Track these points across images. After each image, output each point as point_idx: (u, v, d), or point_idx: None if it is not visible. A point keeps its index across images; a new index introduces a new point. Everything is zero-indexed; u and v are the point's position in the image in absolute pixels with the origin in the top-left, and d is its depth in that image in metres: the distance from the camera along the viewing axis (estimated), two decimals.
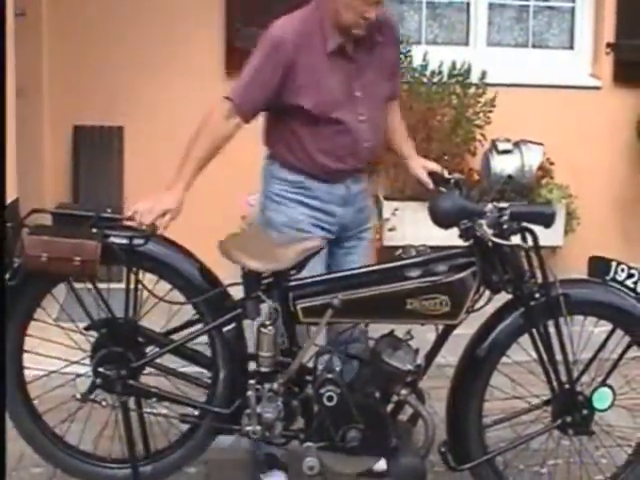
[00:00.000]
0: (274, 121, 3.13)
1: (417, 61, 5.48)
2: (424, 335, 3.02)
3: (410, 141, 3.37)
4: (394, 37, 3.22)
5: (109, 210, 2.88)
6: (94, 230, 2.79)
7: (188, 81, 5.33)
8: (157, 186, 2.98)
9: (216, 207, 5.13)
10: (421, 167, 3.28)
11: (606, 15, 5.75)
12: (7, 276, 2.81)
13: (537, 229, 5.08)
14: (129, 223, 2.90)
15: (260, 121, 3.16)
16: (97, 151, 5.38)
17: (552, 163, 5.32)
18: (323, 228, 3.15)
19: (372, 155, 3.20)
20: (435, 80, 5.46)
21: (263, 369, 2.94)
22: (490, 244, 2.88)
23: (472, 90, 5.44)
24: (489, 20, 5.86)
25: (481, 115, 5.41)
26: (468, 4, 5.83)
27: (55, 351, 3.06)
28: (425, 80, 5.45)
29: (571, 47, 5.97)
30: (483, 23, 5.84)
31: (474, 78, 5.44)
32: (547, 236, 5.33)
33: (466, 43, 5.87)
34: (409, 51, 5.43)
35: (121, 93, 5.33)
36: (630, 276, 3.01)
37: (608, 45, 5.76)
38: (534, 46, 5.93)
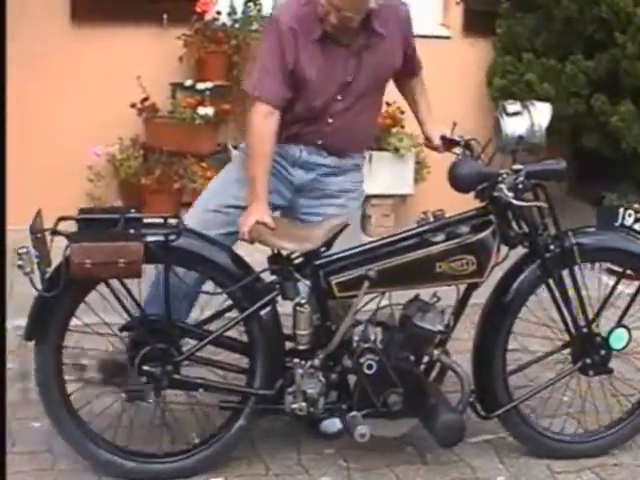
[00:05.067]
0: None
1: (267, 9, 5.30)
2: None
3: (429, 109, 3.44)
4: (400, 29, 3.20)
5: (133, 210, 2.88)
6: (131, 231, 2.78)
7: (30, 30, 4.77)
8: None
9: (63, 157, 4.97)
10: (435, 132, 3.38)
11: None
12: (41, 287, 2.76)
13: (386, 176, 5.21)
14: (154, 220, 2.92)
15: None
16: None
17: (403, 112, 5.18)
18: (279, 192, 3.24)
19: (345, 134, 3.24)
20: None
21: (301, 347, 3.02)
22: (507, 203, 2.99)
23: None
24: None
25: None
26: None
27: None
28: None
29: None
30: None
31: None
32: (398, 185, 5.49)
33: None
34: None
35: None
36: (637, 220, 3.18)
37: None
38: None
